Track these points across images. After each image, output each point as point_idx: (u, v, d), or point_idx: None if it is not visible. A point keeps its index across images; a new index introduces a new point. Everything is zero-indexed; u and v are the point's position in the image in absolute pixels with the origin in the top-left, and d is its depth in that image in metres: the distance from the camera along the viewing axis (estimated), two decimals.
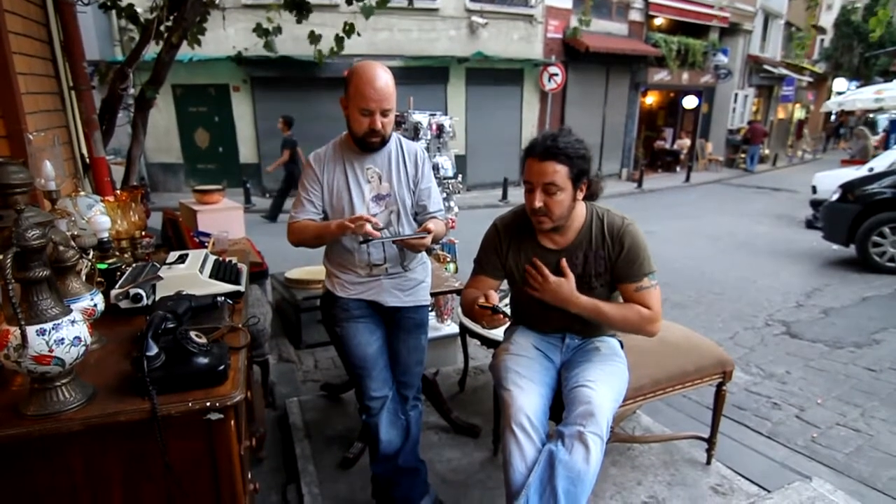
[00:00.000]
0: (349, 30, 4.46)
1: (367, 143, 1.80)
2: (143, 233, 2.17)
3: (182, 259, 1.89)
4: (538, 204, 1.70)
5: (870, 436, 2.79)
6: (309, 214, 1.87)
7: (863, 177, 6.66)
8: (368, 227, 1.68)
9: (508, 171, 12.32)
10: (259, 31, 4.63)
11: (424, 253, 2.01)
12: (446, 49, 12.10)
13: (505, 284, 1.99)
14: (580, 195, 1.74)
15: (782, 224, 9.12)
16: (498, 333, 2.19)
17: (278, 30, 4.60)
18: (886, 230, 5.91)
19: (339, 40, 4.52)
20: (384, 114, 1.76)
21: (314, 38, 4.55)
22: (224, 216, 3.19)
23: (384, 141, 1.83)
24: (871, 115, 15.33)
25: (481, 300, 1.69)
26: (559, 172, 1.67)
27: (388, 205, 1.88)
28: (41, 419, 1.11)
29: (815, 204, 8.03)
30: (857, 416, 2.99)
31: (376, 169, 1.87)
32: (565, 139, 1.68)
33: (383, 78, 1.72)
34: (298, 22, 4.34)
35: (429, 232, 1.79)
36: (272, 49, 4.75)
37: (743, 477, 2.31)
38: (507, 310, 1.78)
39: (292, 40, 4.75)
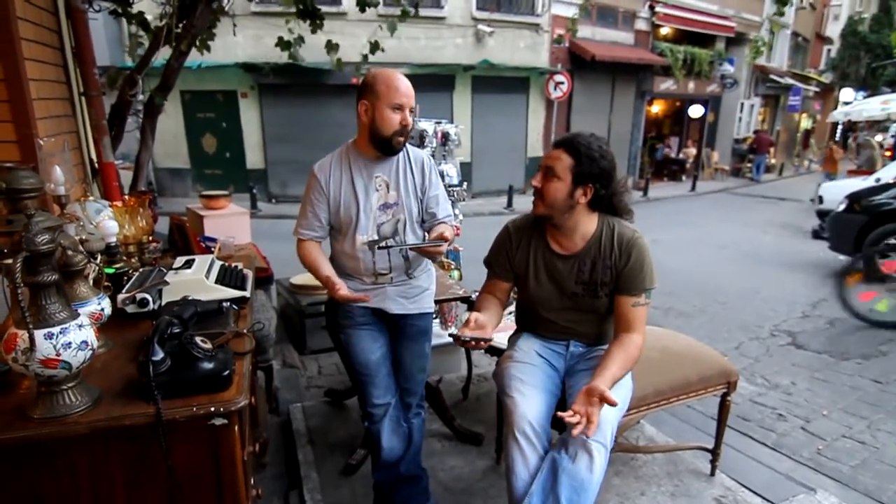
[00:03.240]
0: (374, 46, 4.53)
1: (393, 144, 1.80)
2: (151, 238, 2.19)
3: (188, 264, 1.91)
4: (535, 183, 1.78)
5: (876, 448, 2.77)
6: (314, 230, 1.88)
7: (870, 187, 6.63)
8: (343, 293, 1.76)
9: (514, 179, 12.36)
10: (282, 44, 4.68)
11: (429, 260, 2.02)
12: (452, 57, 12.17)
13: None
14: (581, 198, 1.73)
15: (788, 234, 9.09)
16: (502, 341, 2.19)
17: (301, 40, 4.65)
18: (893, 241, 5.87)
19: (363, 58, 4.60)
20: (411, 111, 1.80)
21: (331, 46, 4.59)
22: (230, 221, 3.20)
23: (406, 139, 1.85)
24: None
25: (461, 330, 1.67)
26: (562, 161, 1.71)
27: (395, 213, 1.88)
28: (47, 422, 1.12)
29: (822, 214, 7.99)
30: (863, 429, 2.97)
31: (384, 177, 1.87)
32: (587, 138, 1.72)
33: (407, 79, 1.80)
34: (313, 32, 4.38)
35: (445, 240, 1.79)
36: (297, 59, 4.82)
37: (747, 489, 2.29)
38: (512, 318, 1.77)
39: (300, 47, 4.79)
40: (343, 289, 1.77)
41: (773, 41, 18.98)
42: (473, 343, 1.65)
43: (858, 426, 2.99)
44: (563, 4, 13.11)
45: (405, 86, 1.77)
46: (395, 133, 1.78)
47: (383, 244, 1.81)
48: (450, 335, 1.69)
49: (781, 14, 17.09)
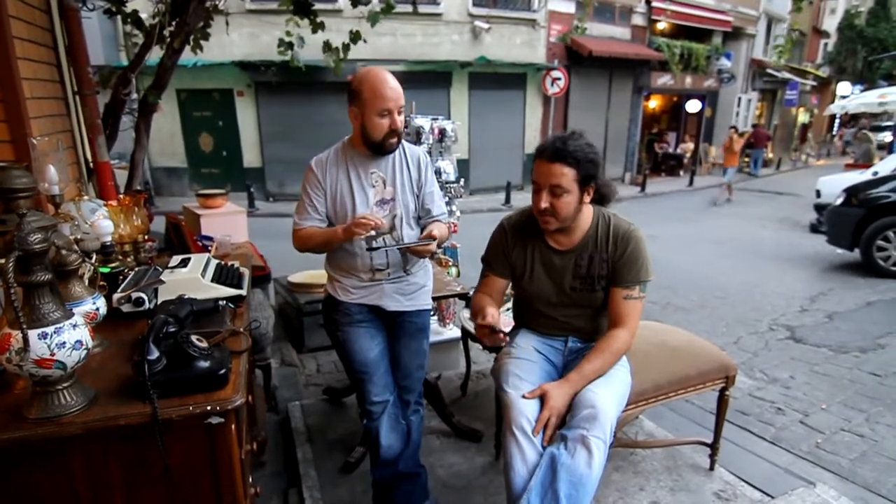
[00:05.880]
0: (355, 37, 4.46)
1: (386, 146, 1.81)
2: (146, 237, 2.18)
3: (184, 263, 1.90)
4: (544, 205, 1.72)
5: (874, 441, 2.77)
6: (313, 221, 1.87)
7: (867, 181, 6.65)
8: (372, 226, 1.69)
9: (511, 175, 12.34)
10: (283, 45, 4.65)
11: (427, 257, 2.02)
12: (449, 54, 12.15)
13: (509, 290, 1.98)
14: (587, 198, 1.76)
15: (786, 228, 9.09)
16: None
17: (301, 40, 4.61)
18: (891, 234, 5.89)
19: (344, 47, 4.52)
20: (399, 112, 1.78)
21: (329, 47, 4.53)
22: (227, 220, 3.19)
23: (400, 139, 1.84)
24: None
25: (479, 319, 1.69)
26: (566, 175, 1.68)
27: (392, 209, 1.88)
28: (42, 423, 1.11)
29: (820, 208, 8.01)
30: (862, 422, 2.97)
31: (380, 173, 1.87)
32: (575, 142, 1.70)
33: (392, 78, 1.77)
34: (314, 32, 4.34)
35: (433, 238, 1.80)
36: (297, 62, 4.77)
37: (746, 483, 2.29)
38: (510, 315, 1.77)
39: (301, 48, 4.77)
40: (357, 218, 1.72)
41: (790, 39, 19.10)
42: (494, 334, 1.64)
43: (857, 419, 3.00)
44: (559, 0, 13.08)
45: (391, 90, 1.74)
46: (385, 136, 1.78)
47: (372, 244, 1.80)
48: (479, 324, 1.68)
49: (799, 10, 17.17)
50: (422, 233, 1.93)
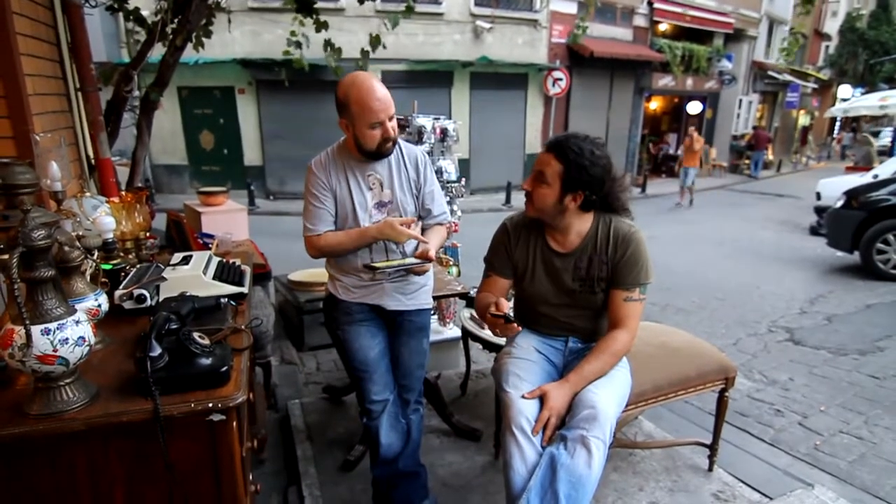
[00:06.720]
0: (375, 41, 4.44)
1: (382, 152, 1.80)
2: (148, 234, 2.18)
3: (186, 260, 1.90)
4: (526, 186, 1.78)
5: (873, 444, 2.78)
6: (327, 224, 1.85)
7: (867, 184, 6.66)
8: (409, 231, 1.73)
9: (512, 175, 12.34)
10: (292, 44, 4.66)
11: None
12: (451, 53, 12.15)
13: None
14: (571, 204, 1.73)
15: (786, 230, 9.10)
16: (501, 337, 2.19)
17: (306, 39, 4.61)
18: (891, 237, 5.90)
19: (364, 54, 4.51)
20: (391, 118, 1.77)
21: (332, 47, 4.51)
22: (228, 218, 3.20)
23: (395, 142, 1.84)
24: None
25: (493, 309, 1.68)
26: (552, 166, 1.70)
27: (390, 211, 1.88)
28: (44, 419, 1.11)
29: (820, 210, 8.02)
30: (861, 424, 2.97)
31: (378, 175, 1.87)
32: (578, 142, 1.69)
33: (380, 86, 1.74)
34: (318, 31, 4.34)
35: (430, 260, 1.80)
36: (302, 63, 4.78)
37: (745, 484, 2.30)
38: (512, 312, 1.76)
39: (308, 47, 4.76)
40: (400, 225, 1.74)
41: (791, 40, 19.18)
42: (507, 325, 1.63)
43: (856, 422, 3.00)
44: (561, 0, 13.08)
45: (377, 101, 1.70)
46: (379, 145, 1.77)
47: (375, 268, 1.79)
48: (491, 314, 1.67)
49: (808, 12, 17.19)
50: (422, 234, 1.93)
